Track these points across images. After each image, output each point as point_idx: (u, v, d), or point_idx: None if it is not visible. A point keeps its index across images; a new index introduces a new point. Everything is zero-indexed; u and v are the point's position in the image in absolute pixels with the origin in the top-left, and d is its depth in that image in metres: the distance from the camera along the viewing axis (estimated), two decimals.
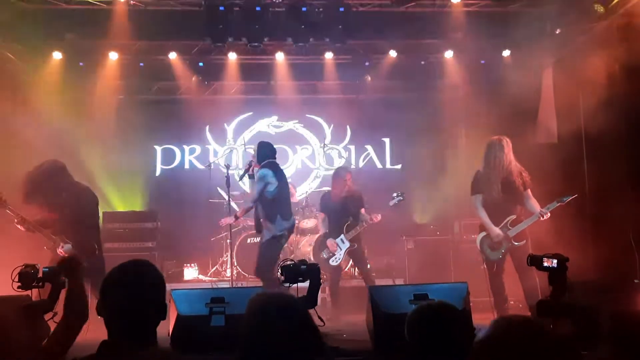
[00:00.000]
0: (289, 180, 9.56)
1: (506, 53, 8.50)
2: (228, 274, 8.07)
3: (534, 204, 5.95)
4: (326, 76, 9.23)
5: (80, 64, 8.45)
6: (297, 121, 10.46)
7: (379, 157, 10.43)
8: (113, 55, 8.40)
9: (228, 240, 6.94)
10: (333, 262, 6.97)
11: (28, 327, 3.11)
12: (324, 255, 7.01)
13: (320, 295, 4.74)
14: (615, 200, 6.47)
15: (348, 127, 10.40)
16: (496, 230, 5.94)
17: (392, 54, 8.68)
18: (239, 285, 7.56)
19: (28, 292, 3.36)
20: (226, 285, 7.60)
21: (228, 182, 7.00)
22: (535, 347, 1.42)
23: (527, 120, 8.11)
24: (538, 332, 1.45)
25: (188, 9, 7.75)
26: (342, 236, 6.99)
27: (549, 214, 5.83)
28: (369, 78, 9.27)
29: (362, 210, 7.11)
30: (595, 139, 6.97)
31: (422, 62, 8.84)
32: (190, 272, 8.52)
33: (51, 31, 7.75)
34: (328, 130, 10.43)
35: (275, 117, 10.43)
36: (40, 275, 3.25)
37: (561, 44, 7.68)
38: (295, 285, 4.25)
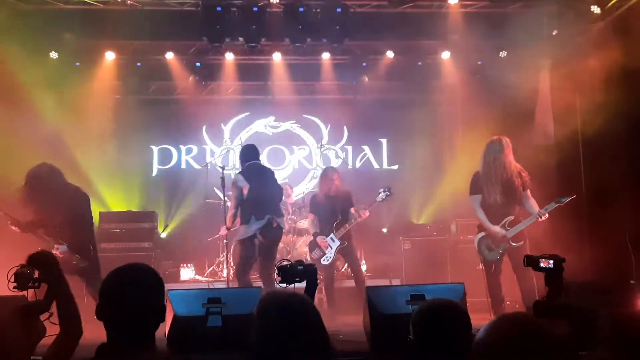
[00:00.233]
0: (285, 181, 9.63)
1: (503, 54, 8.51)
2: (224, 274, 8.05)
3: (533, 205, 5.95)
4: (323, 77, 9.23)
5: (77, 63, 8.44)
6: (294, 121, 10.46)
7: (376, 157, 10.43)
8: (110, 55, 8.40)
9: (224, 241, 6.93)
10: (324, 261, 6.96)
11: (24, 328, 3.10)
12: (316, 255, 7.00)
13: (317, 295, 4.74)
14: (612, 201, 6.48)
15: (345, 127, 10.39)
16: (496, 228, 5.93)
17: (390, 54, 8.69)
18: (236, 285, 7.55)
19: (24, 293, 3.35)
20: (223, 285, 7.58)
21: (223, 183, 6.97)
22: (537, 347, 1.41)
23: (524, 121, 8.12)
24: (540, 331, 1.44)
25: (185, 9, 7.75)
26: (331, 235, 6.96)
27: (547, 215, 5.82)
28: (366, 79, 9.27)
29: (352, 210, 7.08)
30: (592, 141, 6.99)
31: (419, 63, 8.86)
32: (187, 273, 8.50)
33: (48, 31, 7.74)
34: (325, 131, 10.43)
35: (272, 118, 10.43)
36: (36, 275, 3.23)
37: (558, 45, 7.69)
38: (292, 285, 4.25)
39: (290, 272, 4.01)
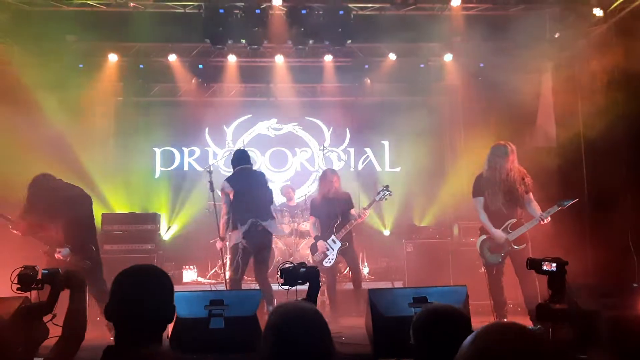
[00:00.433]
0: (287, 183, 9.64)
1: (505, 56, 8.50)
2: (227, 276, 8.06)
3: (535, 208, 5.94)
4: (326, 79, 9.24)
5: (80, 65, 8.46)
6: (296, 124, 10.47)
7: (379, 159, 10.44)
8: (113, 57, 8.41)
9: (227, 243, 6.93)
10: (327, 263, 6.94)
11: (26, 329, 3.11)
12: (317, 258, 6.98)
13: (319, 298, 4.73)
14: (614, 204, 6.48)
15: (347, 129, 10.40)
16: (498, 232, 5.94)
17: (392, 57, 8.69)
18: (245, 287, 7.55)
19: (27, 294, 3.36)
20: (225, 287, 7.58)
21: (212, 187, 6.90)
22: (531, 357, 1.39)
23: (525, 124, 8.13)
24: (533, 341, 1.42)
25: (188, 12, 7.76)
26: (332, 236, 6.94)
27: (549, 218, 5.81)
28: (369, 81, 9.27)
29: (352, 211, 7.05)
30: (594, 143, 6.99)
31: (422, 65, 8.86)
32: (189, 275, 8.52)
33: (51, 33, 7.75)
34: (327, 133, 10.43)
35: (274, 120, 10.44)
36: (39, 277, 3.24)
37: (560, 47, 7.70)
38: (294, 287, 4.25)
39: (292, 275, 4.02)
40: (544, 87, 8.20)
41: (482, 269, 6.32)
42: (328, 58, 8.75)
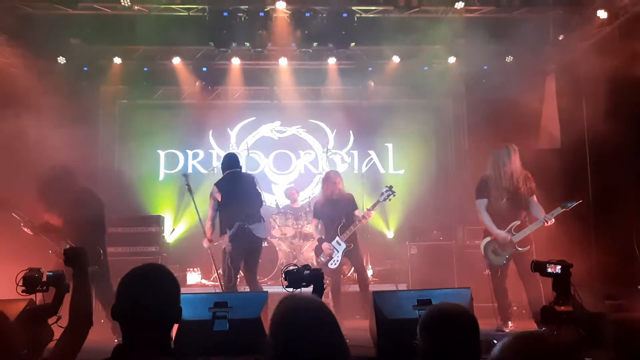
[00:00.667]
0: (291, 186, 9.64)
1: (509, 59, 8.50)
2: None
3: (539, 210, 5.94)
4: (329, 81, 9.25)
5: (85, 68, 8.49)
6: (300, 126, 10.47)
7: (382, 162, 10.43)
8: (117, 60, 8.43)
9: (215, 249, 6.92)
10: (332, 265, 6.92)
11: (31, 331, 3.12)
12: (322, 259, 6.97)
13: (323, 300, 4.76)
14: (619, 206, 6.47)
15: (351, 132, 10.40)
16: (502, 233, 5.94)
17: (395, 59, 8.69)
18: (242, 289, 7.56)
19: (32, 296, 3.37)
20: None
21: (189, 190, 6.85)
22: None
23: (529, 126, 8.12)
24: (555, 350, 1.43)
25: (192, 14, 7.78)
26: (337, 238, 6.90)
27: (553, 220, 5.81)
28: (372, 83, 9.27)
29: (356, 212, 7.02)
30: (598, 145, 6.98)
31: (425, 68, 8.85)
32: (193, 277, 8.52)
33: (56, 36, 7.79)
34: (331, 136, 10.43)
35: (278, 122, 10.45)
36: (44, 279, 3.25)
37: (564, 50, 7.69)
38: (298, 290, 4.25)
39: (297, 277, 4.01)
40: (548, 89, 8.19)
41: (487, 272, 6.31)
42: (332, 61, 8.76)
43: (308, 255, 8.17)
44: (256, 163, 10.31)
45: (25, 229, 5.50)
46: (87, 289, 2.82)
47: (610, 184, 6.59)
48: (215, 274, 8.42)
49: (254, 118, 10.39)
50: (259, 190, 6.69)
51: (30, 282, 3.24)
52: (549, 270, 3.51)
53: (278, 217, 8.71)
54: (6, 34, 7.39)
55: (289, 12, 7.67)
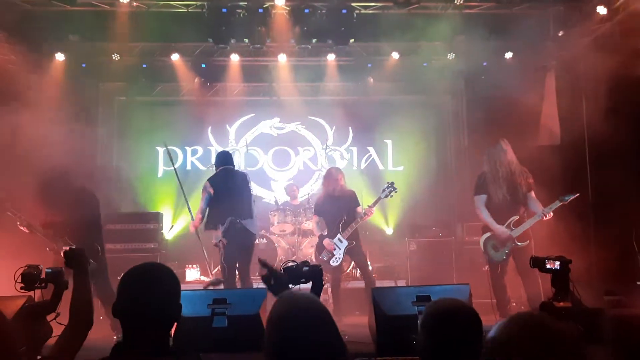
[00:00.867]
0: (290, 182, 9.63)
1: (509, 55, 8.50)
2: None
3: (538, 206, 5.97)
4: (328, 78, 9.24)
5: (83, 65, 8.47)
6: (299, 123, 10.47)
7: (381, 158, 10.43)
8: (115, 57, 8.41)
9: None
10: (334, 262, 6.89)
11: (30, 328, 3.11)
12: (324, 257, 6.94)
13: (322, 296, 4.73)
14: (618, 202, 6.47)
15: (350, 128, 10.39)
16: (502, 228, 5.97)
17: (395, 55, 8.68)
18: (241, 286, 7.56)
19: (30, 293, 3.37)
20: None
21: (170, 158, 7.30)
22: (550, 344, 1.41)
23: (529, 122, 8.11)
24: (553, 329, 1.44)
25: (191, 11, 7.76)
26: (338, 235, 6.87)
27: (551, 214, 5.84)
28: (372, 80, 9.27)
29: (358, 209, 7.00)
30: (598, 141, 6.97)
31: (425, 64, 8.84)
32: (192, 274, 8.52)
33: (54, 33, 7.78)
34: (330, 132, 10.43)
35: (277, 119, 10.44)
36: (43, 276, 3.24)
37: (564, 46, 7.68)
38: (297, 286, 4.25)
39: (295, 273, 4.01)
40: (547, 85, 8.18)
41: (486, 267, 6.32)
42: (331, 57, 8.74)
43: (307, 252, 8.17)
44: (255, 160, 10.31)
45: (21, 227, 5.50)
46: (87, 288, 2.83)
47: (610, 180, 6.58)
48: (216, 269, 8.47)
49: (253, 114, 10.38)
50: (251, 188, 6.77)
51: (29, 279, 3.23)
52: (548, 266, 3.51)
53: (277, 214, 8.71)
54: (4, 31, 7.37)
55: (288, 8, 7.66)
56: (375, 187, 9.08)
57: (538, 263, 3.62)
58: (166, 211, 9.30)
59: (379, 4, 7.78)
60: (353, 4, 7.71)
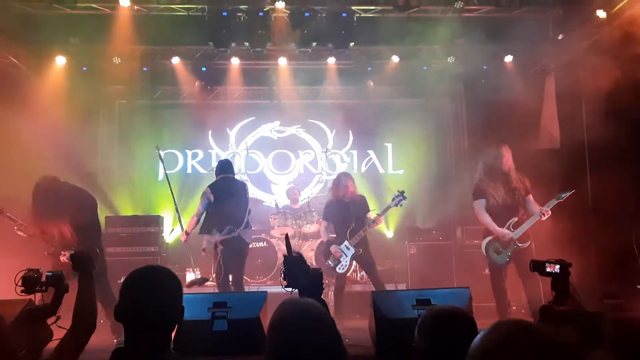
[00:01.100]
0: (291, 186, 9.64)
1: (508, 59, 8.51)
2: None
3: (536, 207, 5.99)
4: (329, 81, 9.25)
5: (84, 68, 8.49)
6: (299, 126, 10.48)
7: (382, 162, 10.44)
8: (116, 60, 8.42)
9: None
10: (340, 269, 6.81)
11: (30, 332, 3.11)
12: (331, 263, 6.86)
13: (324, 299, 4.72)
14: (618, 205, 6.47)
15: (350, 132, 10.40)
16: (503, 230, 5.98)
17: (395, 59, 8.69)
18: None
19: (31, 297, 3.37)
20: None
21: (161, 160, 7.35)
22: (535, 352, 1.39)
23: (529, 126, 8.12)
24: (541, 338, 1.42)
25: (191, 14, 7.78)
26: (345, 242, 6.82)
27: (549, 212, 5.87)
28: (372, 83, 9.28)
29: (368, 215, 6.91)
30: (598, 145, 6.97)
31: (425, 68, 8.85)
32: (193, 277, 8.50)
33: (55, 36, 7.79)
34: (330, 135, 10.44)
35: (277, 122, 10.45)
36: (43, 279, 3.24)
37: (563, 49, 7.69)
38: (297, 290, 4.25)
39: (295, 277, 4.00)
40: (547, 89, 8.19)
41: (486, 271, 6.33)
42: (331, 60, 8.76)
43: (307, 255, 8.16)
44: (255, 163, 10.31)
45: (20, 232, 5.49)
46: (92, 292, 2.83)
47: (610, 184, 6.59)
48: (214, 274, 8.47)
49: (253, 118, 10.39)
50: (248, 198, 6.83)
51: (29, 282, 3.23)
52: (548, 269, 3.51)
53: (277, 217, 8.71)
54: (5, 34, 7.38)
55: (288, 12, 7.67)
56: (375, 190, 9.11)
57: (538, 266, 3.62)
58: (166, 214, 9.29)
59: (379, 8, 7.79)
60: (353, 8, 7.72)
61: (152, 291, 2.08)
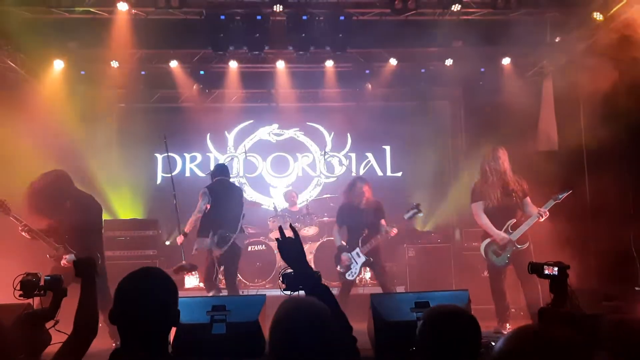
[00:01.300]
0: (289, 189, 9.64)
1: (506, 61, 8.52)
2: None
3: (534, 209, 6.00)
4: (327, 84, 9.25)
5: (82, 72, 8.49)
6: (297, 129, 10.49)
7: (380, 164, 10.45)
8: (114, 64, 8.42)
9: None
10: (349, 276, 6.75)
11: (29, 336, 3.11)
12: (340, 269, 6.84)
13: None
14: (617, 207, 6.48)
15: (349, 134, 10.42)
16: (501, 234, 5.99)
17: (393, 62, 8.70)
18: (240, 292, 7.56)
19: (29, 301, 3.36)
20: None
21: (167, 149, 7.42)
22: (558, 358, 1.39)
23: (527, 128, 8.13)
24: (562, 343, 1.42)
25: (189, 18, 7.77)
26: (357, 249, 6.74)
27: (547, 213, 5.89)
28: (370, 86, 9.28)
29: (383, 221, 6.78)
30: (596, 147, 6.98)
31: (423, 70, 8.86)
32: (191, 280, 8.51)
33: (53, 40, 7.78)
34: (329, 138, 10.45)
35: (276, 125, 10.46)
36: (42, 283, 3.24)
37: (561, 51, 7.71)
38: (295, 293, 4.24)
39: (294, 280, 4.00)
40: (545, 91, 8.20)
41: (485, 273, 6.33)
42: (329, 63, 8.77)
43: (307, 258, 8.14)
44: (254, 166, 10.32)
45: (23, 233, 5.48)
46: (94, 298, 2.84)
47: (608, 185, 6.60)
48: (204, 274, 8.47)
49: (251, 121, 10.41)
50: (243, 204, 6.93)
51: (28, 286, 3.23)
52: (546, 272, 3.52)
53: (276, 220, 8.71)
54: (3, 38, 7.38)
55: (286, 15, 7.67)
56: (375, 193, 9.07)
57: (536, 269, 3.63)
58: (165, 218, 9.27)
59: (377, 11, 7.80)
60: (351, 11, 7.72)
61: (146, 293, 2.07)
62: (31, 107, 7.78)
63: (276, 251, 8.39)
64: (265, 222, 8.95)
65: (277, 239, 2.65)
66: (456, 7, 7.32)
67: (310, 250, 8.27)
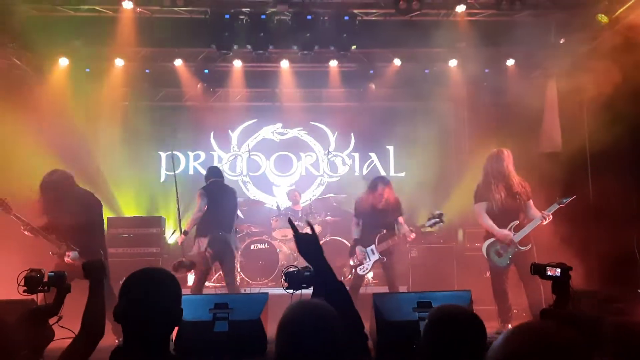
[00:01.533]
0: (292, 188, 9.65)
1: (510, 62, 8.52)
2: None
3: (536, 213, 6.00)
4: (331, 84, 9.26)
5: (87, 70, 8.51)
6: (301, 128, 10.50)
7: (383, 164, 10.44)
8: (119, 62, 8.45)
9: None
10: (361, 271, 6.78)
11: (32, 332, 3.13)
12: (352, 263, 6.86)
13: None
14: (619, 209, 6.47)
15: (352, 134, 10.42)
16: (504, 232, 5.99)
17: (397, 62, 8.70)
18: (243, 291, 7.58)
19: (33, 297, 3.38)
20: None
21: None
22: (559, 356, 1.39)
23: (531, 129, 8.12)
24: (562, 340, 1.43)
25: (194, 17, 7.79)
26: (372, 246, 6.74)
27: (550, 217, 5.89)
28: (373, 86, 9.28)
29: (400, 219, 6.82)
30: (599, 149, 6.98)
31: (426, 71, 8.87)
32: (194, 278, 8.51)
33: (58, 37, 7.80)
34: (332, 138, 10.45)
35: (279, 124, 10.47)
36: (45, 279, 3.26)
37: (565, 53, 7.70)
38: (298, 291, 4.25)
39: (297, 278, 4.02)
40: (549, 92, 8.19)
41: (487, 274, 6.33)
42: (333, 63, 8.78)
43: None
44: (257, 165, 10.33)
45: (26, 232, 5.51)
46: (102, 300, 2.87)
47: (611, 187, 6.59)
48: (217, 274, 8.48)
49: (255, 120, 10.42)
50: (237, 205, 7.15)
51: (32, 282, 3.25)
52: (549, 273, 3.51)
53: (279, 219, 8.72)
54: (9, 36, 7.41)
55: (291, 14, 7.68)
56: None
57: (539, 270, 3.63)
58: (169, 216, 9.30)
59: (381, 11, 7.81)
60: (355, 11, 7.73)
61: (150, 292, 2.09)
62: (36, 105, 7.81)
63: (279, 250, 8.42)
64: (268, 221, 8.96)
65: (293, 235, 2.66)
66: (460, 8, 7.33)
67: None
